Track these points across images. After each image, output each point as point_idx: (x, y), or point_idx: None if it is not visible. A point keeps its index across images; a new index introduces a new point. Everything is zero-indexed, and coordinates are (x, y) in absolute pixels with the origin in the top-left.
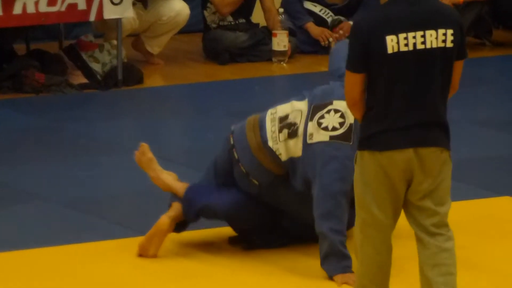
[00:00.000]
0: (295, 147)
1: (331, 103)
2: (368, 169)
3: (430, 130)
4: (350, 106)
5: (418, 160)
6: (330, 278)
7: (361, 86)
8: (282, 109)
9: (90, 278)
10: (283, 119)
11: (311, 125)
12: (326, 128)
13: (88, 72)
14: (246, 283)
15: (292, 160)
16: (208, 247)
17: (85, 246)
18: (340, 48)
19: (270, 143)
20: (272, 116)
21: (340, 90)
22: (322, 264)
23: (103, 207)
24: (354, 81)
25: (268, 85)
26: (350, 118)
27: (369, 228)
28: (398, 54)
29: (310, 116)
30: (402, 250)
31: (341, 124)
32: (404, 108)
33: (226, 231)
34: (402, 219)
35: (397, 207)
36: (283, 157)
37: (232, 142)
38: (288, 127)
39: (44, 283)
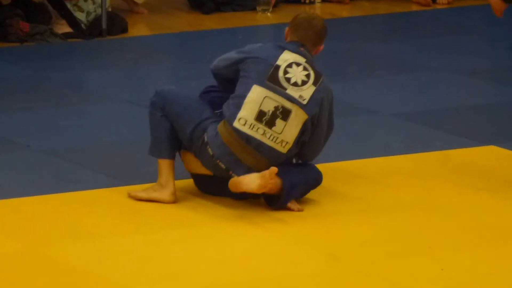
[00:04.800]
0: (295, 121)
1: (278, 67)
2: None
3: None
4: None
5: None
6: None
7: None
8: (247, 113)
9: (75, 228)
10: (260, 116)
11: (292, 90)
12: (302, 83)
13: (72, 21)
14: (236, 232)
15: (299, 137)
16: (197, 195)
17: (69, 196)
18: None
19: (273, 146)
20: (246, 125)
21: (269, 52)
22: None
23: (87, 156)
24: None
25: (252, 35)
26: (303, 60)
27: None
28: None
29: (280, 87)
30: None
31: (306, 73)
32: None
33: None
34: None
35: None
36: (289, 145)
37: (212, 153)
38: (276, 115)
39: (28, 232)
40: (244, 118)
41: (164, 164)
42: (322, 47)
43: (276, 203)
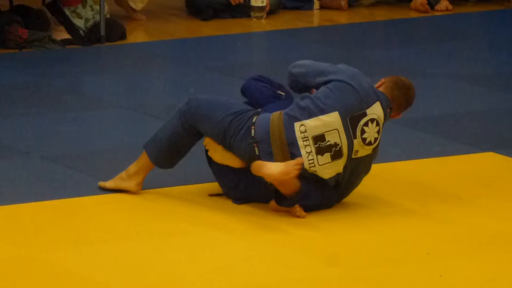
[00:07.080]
0: (337, 166)
1: (365, 114)
2: None
3: None
4: None
5: None
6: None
7: None
8: (312, 126)
9: (74, 233)
10: (318, 139)
11: (357, 143)
12: (369, 143)
13: (71, 28)
14: (227, 242)
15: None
16: (188, 203)
17: (69, 202)
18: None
19: (305, 166)
20: (302, 134)
21: (368, 93)
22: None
23: (87, 162)
24: None
25: (251, 41)
26: (381, 121)
27: None
28: None
29: (352, 132)
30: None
31: (378, 132)
32: None
33: (206, 187)
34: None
35: None
36: (317, 176)
37: (253, 135)
38: (329, 150)
39: (28, 238)
40: (306, 128)
41: (146, 162)
42: (399, 116)
43: (284, 202)
